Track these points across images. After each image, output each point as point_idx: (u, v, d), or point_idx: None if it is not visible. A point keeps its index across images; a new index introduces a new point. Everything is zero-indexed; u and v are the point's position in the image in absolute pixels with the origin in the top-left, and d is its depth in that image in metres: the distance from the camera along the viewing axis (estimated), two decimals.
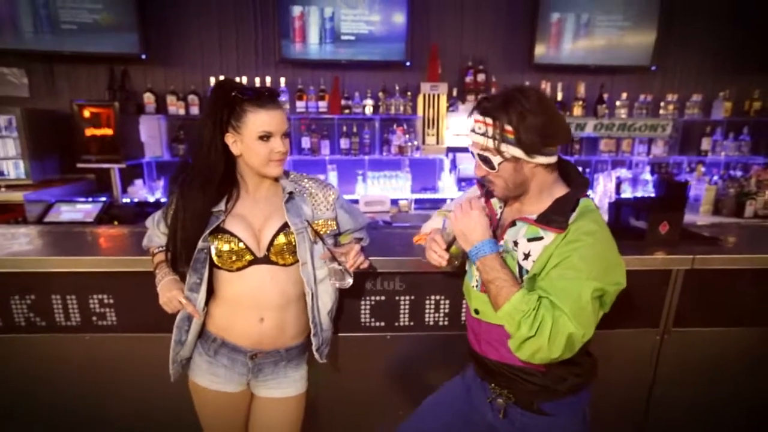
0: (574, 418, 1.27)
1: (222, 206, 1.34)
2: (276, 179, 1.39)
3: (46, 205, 3.15)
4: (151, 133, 3.70)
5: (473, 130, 1.14)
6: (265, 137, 1.27)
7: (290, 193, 1.39)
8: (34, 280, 1.68)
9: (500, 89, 1.14)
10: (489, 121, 1.09)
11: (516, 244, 1.18)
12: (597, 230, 1.09)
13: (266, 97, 1.27)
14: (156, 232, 1.47)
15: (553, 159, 1.13)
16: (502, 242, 1.21)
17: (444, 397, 1.48)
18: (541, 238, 1.13)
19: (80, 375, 1.81)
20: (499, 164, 1.12)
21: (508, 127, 1.07)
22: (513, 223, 1.20)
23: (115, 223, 3.18)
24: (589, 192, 1.23)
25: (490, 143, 1.09)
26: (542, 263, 1.11)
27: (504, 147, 1.09)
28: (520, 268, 1.16)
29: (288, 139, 1.34)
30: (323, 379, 1.79)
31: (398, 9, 3.74)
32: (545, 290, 1.08)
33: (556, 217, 1.11)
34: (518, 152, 1.08)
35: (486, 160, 1.13)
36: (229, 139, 1.28)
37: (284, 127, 1.30)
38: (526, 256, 1.15)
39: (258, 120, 1.25)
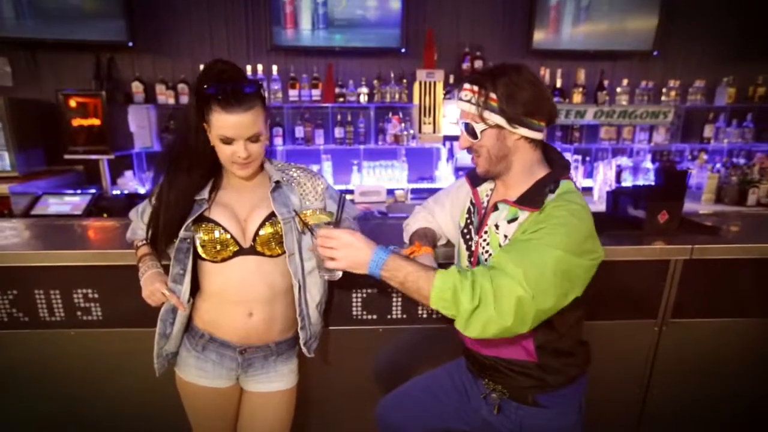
0: (569, 409, 1.25)
1: (205, 194, 1.30)
2: (261, 167, 1.35)
3: (33, 198, 3.08)
4: (141, 123, 3.62)
5: (461, 98, 1.14)
6: (226, 141, 1.21)
7: (277, 182, 1.35)
8: (16, 275, 1.64)
9: (489, 66, 1.13)
10: (476, 88, 1.10)
11: (497, 227, 1.16)
12: (575, 209, 1.06)
13: (231, 99, 1.16)
14: (140, 224, 1.43)
15: (536, 135, 1.12)
16: (485, 227, 1.20)
17: (432, 387, 1.46)
18: (517, 218, 1.13)
19: (65, 371, 1.78)
20: (482, 131, 1.12)
21: (493, 95, 1.07)
22: (495, 207, 1.19)
23: (105, 215, 3.11)
24: (581, 179, 1.21)
25: (474, 110, 1.10)
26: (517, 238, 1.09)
27: (487, 114, 1.09)
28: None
29: (259, 143, 1.24)
30: (315, 373, 1.77)
31: None
32: (497, 260, 1.04)
33: (532, 197, 1.11)
34: (500, 120, 1.08)
35: (470, 130, 1.13)
36: (206, 128, 1.24)
37: (250, 131, 1.20)
38: (506, 237, 1.15)
39: (219, 123, 1.19)
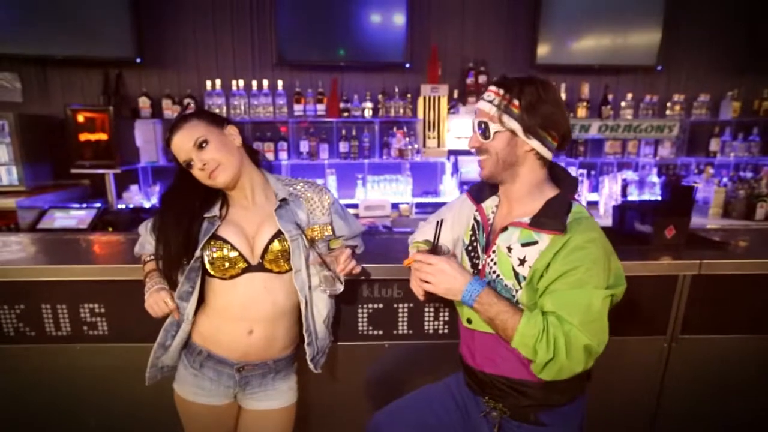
0: (571, 426, 1.23)
1: (216, 211, 1.31)
2: (265, 179, 1.39)
3: (40, 212, 3.10)
4: (147, 138, 3.65)
5: (483, 98, 1.15)
6: (187, 165, 1.26)
7: (283, 199, 1.35)
8: (23, 290, 1.66)
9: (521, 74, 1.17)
10: (501, 91, 1.11)
11: (510, 249, 1.15)
12: (597, 237, 1.09)
13: (169, 132, 1.27)
14: (148, 239, 1.42)
15: (547, 152, 1.13)
16: (494, 247, 1.18)
17: (430, 401, 1.42)
18: (535, 242, 1.11)
19: (70, 386, 1.78)
20: (495, 132, 1.12)
21: (516, 101, 1.09)
22: (505, 228, 1.17)
23: (110, 229, 3.12)
24: (586, 194, 1.21)
25: (494, 111, 1.11)
26: (541, 268, 1.09)
27: (505, 118, 1.10)
28: (516, 274, 1.13)
29: (211, 145, 1.24)
30: (319, 389, 1.75)
31: (397, 9, 3.68)
32: (552, 305, 1.06)
33: (549, 220, 1.11)
34: (517, 126, 1.10)
35: (484, 128, 1.14)
36: None
37: (189, 141, 1.23)
38: (522, 261, 1.13)
39: (174, 153, 1.27)
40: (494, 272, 1.18)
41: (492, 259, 1.19)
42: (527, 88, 1.08)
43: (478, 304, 1.10)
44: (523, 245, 1.13)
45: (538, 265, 1.09)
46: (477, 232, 1.28)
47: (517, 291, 1.13)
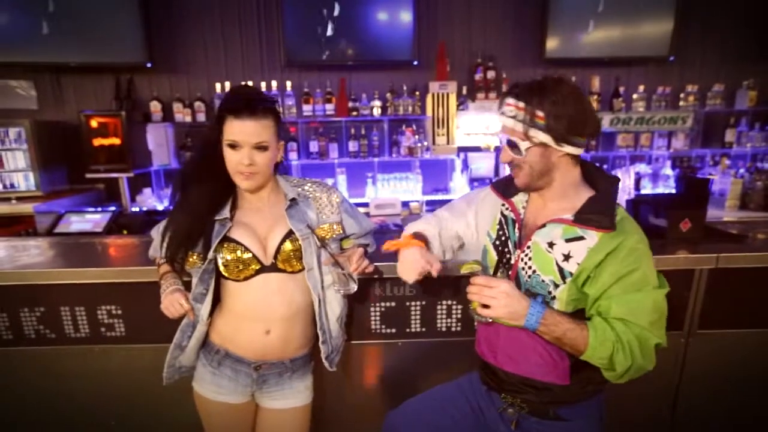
0: (591, 421, 1.23)
1: (227, 213, 1.32)
2: (277, 185, 1.38)
3: (56, 216, 3.15)
4: (159, 142, 3.70)
5: (503, 113, 1.13)
6: (232, 146, 1.24)
7: (293, 199, 1.36)
8: (43, 293, 1.69)
9: (535, 78, 1.13)
10: (521, 105, 1.08)
11: (551, 245, 1.13)
12: (644, 237, 1.12)
13: (243, 107, 1.22)
14: (160, 241, 1.44)
15: (579, 150, 1.12)
16: (529, 242, 1.17)
17: (443, 401, 1.41)
18: (581, 238, 1.11)
19: (91, 387, 1.81)
20: (527, 149, 1.10)
21: (539, 113, 1.06)
22: (543, 225, 1.16)
23: (125, 232, 3.17)
24: None
25: (519, 127, 1.09)
26: (590, 266, 1.09)
27: (533, 132, 1.08)
28: (561, 269, 1.11)
29: (266, 153, 1.26)
30: (332, 387, 1.76)
31: (404, 6, 3.67)
32: (619, 311, 1.07)
33: (596, 217, 1.10)
34: (547, 138, 1.08)
35: (513, 145, 1.12)
36: (221, 144, 1.28)
37: (255, 138, 1.24)
38: (566, 257, 1.12)
39: (229, 128, 1.24)
40: (530, 267, 1.17)
41: (527, 254, 1.18)
42: (546, 95, 1.06)
43: (544, 326, 1.07)
44: (568, 241, 1.12)
45: (587, 263, 1.09)
46: (506, 227, 1.26)
47: (557, 286, 1.12)
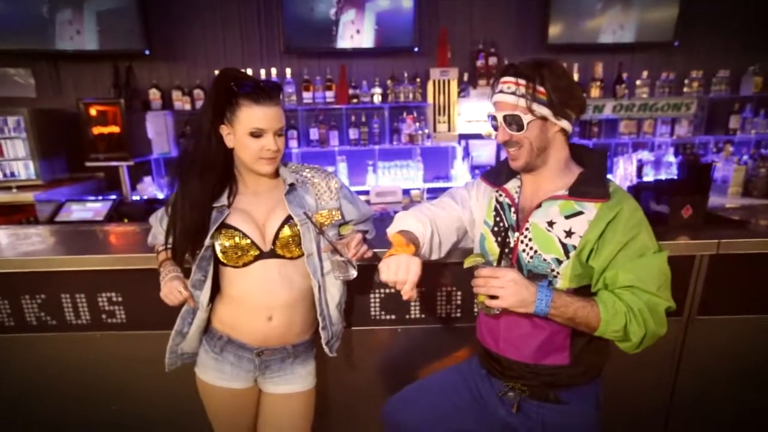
0: (589, 404, 1.24)
1: (224, 201, 1.31)
2: (276, 172, 1.36)
3: (57, 205, 3.16)
4: (158, 130, 3.68)
5: (501, 91, 1.15)
6: (256, 134, 1.23)
7: (291, 184, 1.35)
8: (44, 280, 1.70)
9: (526, 59, 1.17)
10: (522, 81, 1.11)
11: (551, 224, 1.15)
12: (638, 205, 1.15)
13: (263, 93, 1.22)
14: (160, 230, 1.45)
15: (571, 127, 1.16)
16: (527, 224, 1.18)
17: (443, 387, 1.42)
18: (580, 213, 1.13)
19: (91, 373, 1.83)
20: (529, 123, 1.12)
21: (540, 88, 1.10)
22: (538, 205, 1.17)
23: (125, 220, 3.17)
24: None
25: (522, 102, 1.11)
26: (593, 239, 1.11)
27: (535, 106, 1.11)
28: (564, 245, 1.13)
29: (283, 138, 1.29)
30: (333, 373, 1.77)
31: None
32: (626, 279, 1.09)
33: (590, 188, 1.14)
34: (547, 112, 1.11)
35: (514, 121, 1.13)
36: (224, 130, 1.26)
37: (278, 124, 1.25)
38: (568, 233, 1.13)
39: (250, 116, 1.22)
40: (531, 248, 1.17)
41: (526, 236, 1.19)
42: (544, 71, 1.10)
43: (554, 308, 1.08)
44: (567, 217, 1.14)
45: (590, 235, 1.11)
46: (503, 213, 1.27)
47: (560, 263, 1.13)
